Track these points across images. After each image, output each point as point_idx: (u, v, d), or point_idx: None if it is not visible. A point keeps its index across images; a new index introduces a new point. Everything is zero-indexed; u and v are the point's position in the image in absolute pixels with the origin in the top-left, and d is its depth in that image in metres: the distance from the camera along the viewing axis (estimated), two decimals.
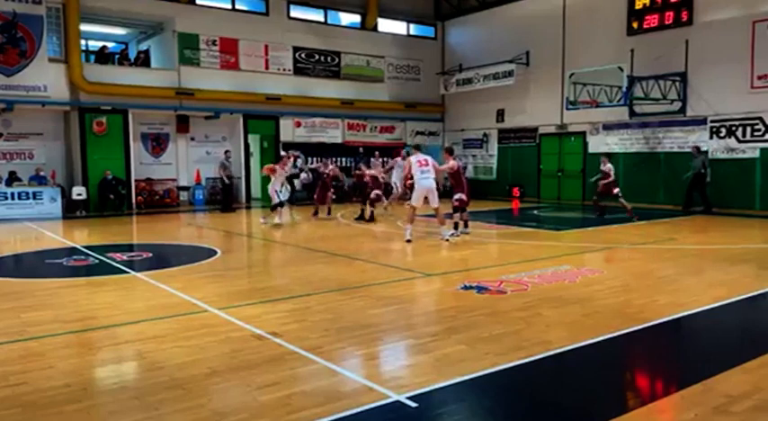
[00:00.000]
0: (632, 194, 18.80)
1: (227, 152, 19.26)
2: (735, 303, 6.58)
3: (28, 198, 16.75)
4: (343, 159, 22.81)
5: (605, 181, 15.04)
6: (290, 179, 20.97)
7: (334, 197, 17.31)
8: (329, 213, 16.42)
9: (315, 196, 16.76)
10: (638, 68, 17.26)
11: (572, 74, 17.78)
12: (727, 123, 16.92)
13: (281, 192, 14.77)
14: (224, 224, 15.48)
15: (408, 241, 10.96)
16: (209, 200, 20.73)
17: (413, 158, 11.46)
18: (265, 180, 21.93)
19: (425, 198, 11.23)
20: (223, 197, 18.82)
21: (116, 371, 4.70)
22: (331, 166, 17.04)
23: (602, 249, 10.52)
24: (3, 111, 17.58)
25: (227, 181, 18.53)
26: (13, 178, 17.30)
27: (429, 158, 11.40)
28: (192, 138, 21.05)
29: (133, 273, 8.48)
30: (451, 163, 11.89)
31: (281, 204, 14.76)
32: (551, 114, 21.11)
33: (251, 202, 21.02)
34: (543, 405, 4.00)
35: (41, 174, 17.92)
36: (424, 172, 11.09)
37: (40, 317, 6.11)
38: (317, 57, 22.37)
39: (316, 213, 16.14)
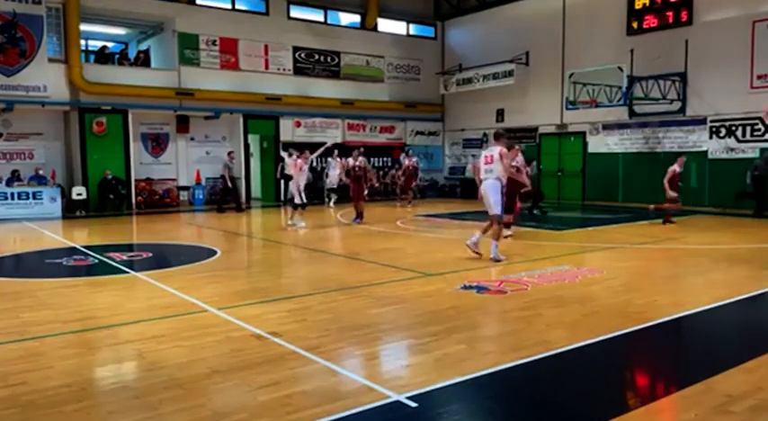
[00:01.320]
0: (632, 194, 18.89)
1: (230, 153, 19.25)
2: (735, 303, 6.58)
3: (28, 198, 16.74)
4: (344, 159, 22.78)
5: None
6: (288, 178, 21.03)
7: (366, 197, 15.20)
8: (360, 218, 14.45)
9: (351, 195, 15.05)
10: (638, 68, 17.26)
11: (572, 74, 17.78)
12: (727, 123, 16.92)
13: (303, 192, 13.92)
14: (224, 224, 15.47)
15: (495, 260, 9.03)
16: (209, 200, 20.73)
17: (482, 152, 9.48)
18: (267, 179, 22.15)
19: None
20: (222, 197, 18.74)
21: (116, 370, 4.70)
22: (361, 158, 14.88)
23: (603, 249, 10.51)
24: (3, 111, 17.58)
25: (229, 183, 18.47)
26: (15, 177, 17.30)
27: (496, 153, 9.08)
28: (192, 139, 21.04)
29: (133, 272, 8.48)
30: (520, 159, 10.66)
31: (303, 205, 13.93)
32: (551, 114, 21.11)
33: (251, 202, 21.02)
34: (543, 405, 4.00)
35: (41, 173, 17.92)
36: (486, 171, 9.16)
37: (40, 317, 6.11)
38: (316, 57, 22.37)
39: (358, 217, 14.50)
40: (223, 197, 18.67)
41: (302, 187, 14.00)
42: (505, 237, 10.74)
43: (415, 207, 19.18)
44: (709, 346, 5.34)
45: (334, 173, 19.00)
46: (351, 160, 14.96)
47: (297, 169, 14.06)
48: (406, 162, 20.41)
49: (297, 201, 13.86)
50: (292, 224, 13.84)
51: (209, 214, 18.09)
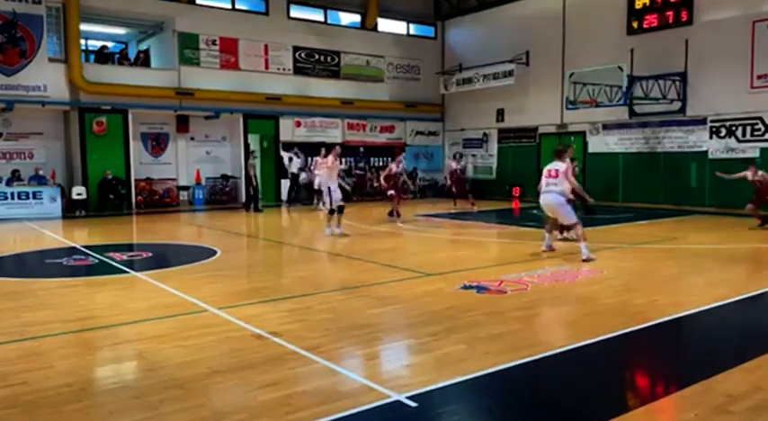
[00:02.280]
0: (633, 194, 18.89)
1: (252, 152, 19.25)
2: (735, 303, 6.58)
3: (28, 198, 16.73)
4: (344, 159, 22.81)
5: None
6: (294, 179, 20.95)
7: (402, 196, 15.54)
8: (397, 215, 15.09)
9: (395, 191, 15.10)
10: (638, 68, 17.24)
11: (572, 74, 17.76)
12: (727, 123, 16.91)
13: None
14: (224, 224, 15.47)
15: (586, 260, 9.09)
16: (208, 199, 20.73)
17: (545, 168, 9.72)
18: (267, 179, 22.13)
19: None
20: (253, 196, 18.63)
21: (116, 370, 4.70)
22: (404, 163, 15.35)
23: (603, 249, 10.51)
24: (3, 110, 17.57)
25: (254, 181, 18.47)
26: (15, 177, 17.30)
27: (561, 168, 9.40)
28: (192, 138, 21.05)
29: (133, 272, 8.48)
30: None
31: (332, 210, 12.13)
32: (551, 114, 21.10)
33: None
34: (543, 405, 4.00)
35: (40, 172, 17.91)
36: (548, 184, 9.46)
37: (40, 317, 6.11)
38: (316, 56, 22.36)
39: (398, 214, 15.09)
40: (255, 196, 18.60)
41: (333, 188, 12.15)
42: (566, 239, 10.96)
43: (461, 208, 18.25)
44: (710, 346, 5.34)
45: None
46: (394, 167, 15.16)
47: (327, 167, 12.38)
48: (454, 165, 18.81)
49: (329, 204, 12.20)
50: (331, 232, 12.02)
51: (211, 214, 18.09)
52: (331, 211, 12.14)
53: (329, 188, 12.13)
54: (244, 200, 19.54)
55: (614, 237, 11.96)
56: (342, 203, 12.19)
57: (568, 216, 9.47)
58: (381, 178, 15.64)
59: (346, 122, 23.07)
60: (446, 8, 24.82)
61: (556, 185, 9.37)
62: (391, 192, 15.02)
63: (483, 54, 22.92)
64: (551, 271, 8.24)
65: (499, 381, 4.35)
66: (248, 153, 19.67)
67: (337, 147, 12.91)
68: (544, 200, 9.55)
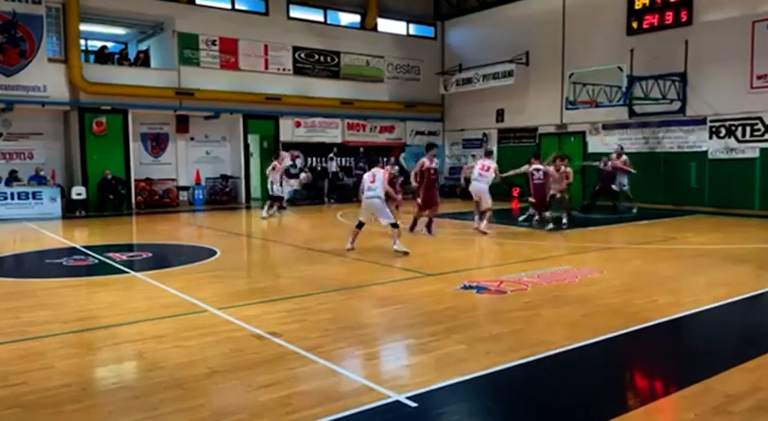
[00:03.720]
0: (633, 194, 18.86)
1: (276, 154, 19.53)
2: (735, 303, 6.58)
3: (27, 198, 16.73)
4: (343, 159, 22.86)
5: None
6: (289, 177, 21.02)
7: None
8: (428, 230, 12.16)
9: (421, 200, 12.18)
10: (638, 68, 17.25)
11: (572, 74, 17.74)
12: (727, 123, 16.91)
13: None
14: (224, 224, 15.47)
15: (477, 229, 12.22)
16: (208, 200, 20.73)
17: (478, 162, 12.78)
18: (267, 179, 22.07)
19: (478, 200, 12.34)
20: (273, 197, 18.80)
21: (116, 371, 4.70)
22: (436, 160, 12.42)
23: (602, 249, 10.51)
24: (3, 111, 17.57)
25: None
26: (13, 178, 17.29)
27: (492, 165, 12.36)
28: (192, 138, 21.04)
29: (133, 273, 8.48)
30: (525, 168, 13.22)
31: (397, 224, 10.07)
32: (551, 114, 21.10)
33: (250, 202, 21.01)
34: (543, 405, 4.00)
35: (41, 173, 17.91)
36: (481, 175, 12.27)
37: (40, 317, 6.11)
38: (316, 57, 22.36)
39: (429, 224, 12.17)
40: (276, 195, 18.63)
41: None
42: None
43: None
44: (710, 346, 5.34)
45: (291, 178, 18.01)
46: (426, 161, 12.15)
47: (384, 183, 10.17)
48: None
49: (392, 218, 10.07)
50: (399, 248, 9.81)
51: (211, 214, 18.08)
52: (396, 225, 10.04)
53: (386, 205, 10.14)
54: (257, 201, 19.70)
55: (614, 237, 11.97)
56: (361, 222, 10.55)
57: (489, 200, 12.22)
58: (412, 176, 12.67)
59: (346, 122, 23.06)
60: (446, 8, 24.82)
61: (485, 177, 12.16)
62: (418, 198, 12.40)
63: (483, 54, 22.92)
64: (551, 271, 8.24)
65: (499, 381, 4.35)
66: (276, 153, 19.84)
67: (392, 159, 12.04)
68: (475, 186, 12.29)
